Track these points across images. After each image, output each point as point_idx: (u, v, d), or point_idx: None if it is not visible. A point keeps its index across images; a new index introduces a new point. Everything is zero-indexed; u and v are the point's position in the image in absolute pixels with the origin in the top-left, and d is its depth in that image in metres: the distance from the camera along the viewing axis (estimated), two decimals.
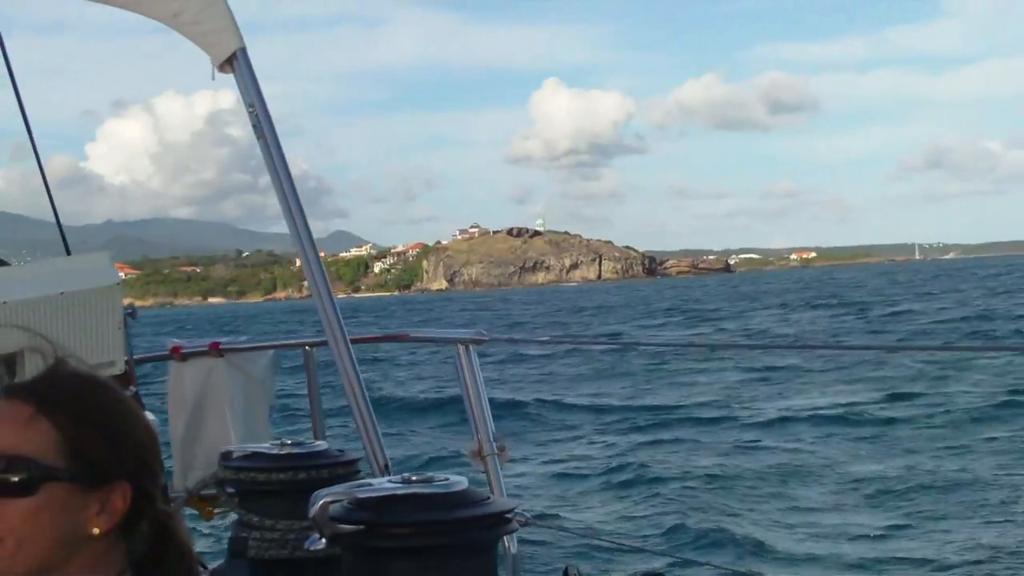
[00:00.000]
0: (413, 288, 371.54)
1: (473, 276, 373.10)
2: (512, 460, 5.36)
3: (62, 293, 3.49)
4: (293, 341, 6.08)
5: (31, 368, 3.35)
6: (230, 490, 3.95)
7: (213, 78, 4.55)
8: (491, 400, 5.23)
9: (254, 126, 4.50)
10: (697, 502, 15.80)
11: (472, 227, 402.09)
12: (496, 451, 5.13)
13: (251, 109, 4.49)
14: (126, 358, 3.87)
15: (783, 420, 23.50)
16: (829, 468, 18.26)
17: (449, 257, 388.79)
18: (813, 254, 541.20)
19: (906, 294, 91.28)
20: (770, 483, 17.22)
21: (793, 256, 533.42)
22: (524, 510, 3.24)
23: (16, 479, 1.99)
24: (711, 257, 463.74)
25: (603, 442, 21.10)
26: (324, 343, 5.10)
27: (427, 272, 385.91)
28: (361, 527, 2.95)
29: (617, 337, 40.23)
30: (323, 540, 2.98)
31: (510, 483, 5.18)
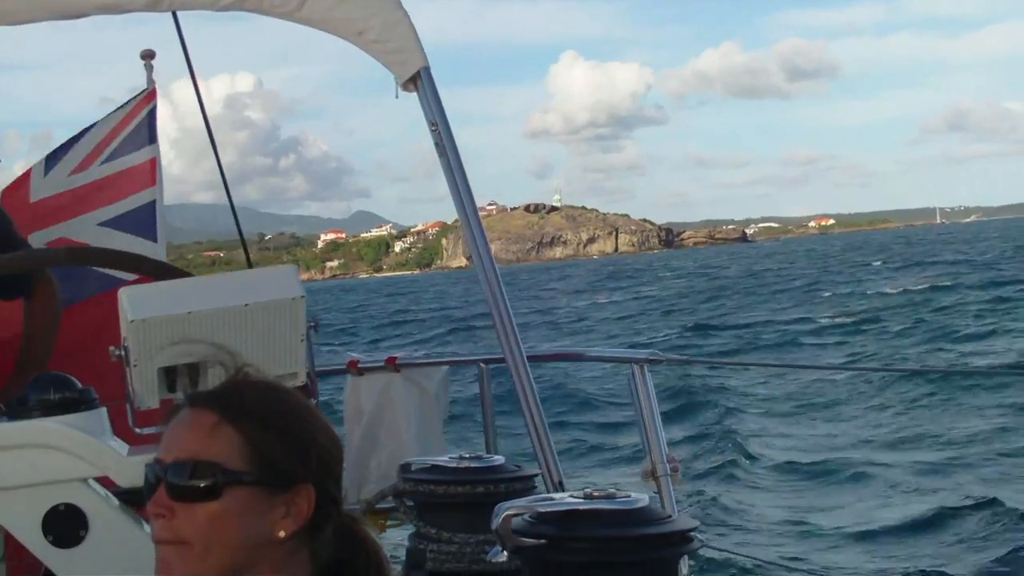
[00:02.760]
0: (433, 266, 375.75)
1: (492, 253, 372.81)
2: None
3: (247, 305, 3.54)
4: (468, 357, 6.14)
5: (214, 378, 3.43)
6: (409, 503, 4.00)
7: (396, 96, 4.62)
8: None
9: (436, 144, 4.56)
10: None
11: (489, 204, 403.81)
12: (669, 472, 5.12)
13: (434, 128, 4.55)
14: (308, 370, 3.94)
15: None
16: None
17: None
18: (831, 221, 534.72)
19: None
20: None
21: (812, 224, 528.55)
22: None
23: (202, 484, 2.06)
24: (730, 227, 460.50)
25: (777, 463, 20.50)
26: (498, 359, 5.14)
27: (447, 250, 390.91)
28: (543, 541, 2.96)
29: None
30: (505, 552, 3.01)
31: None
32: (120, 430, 3.62)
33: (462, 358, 6.37)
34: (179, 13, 5.30)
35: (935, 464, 18.95)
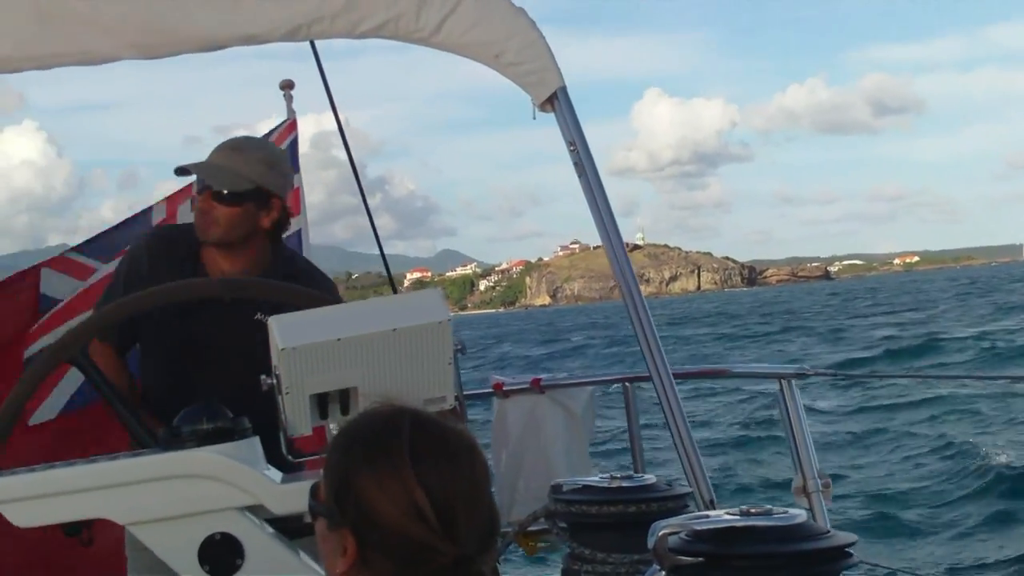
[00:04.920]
0: (517, 304, 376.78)
1: (575, 291, 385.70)
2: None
3: (395, 330, 3.55)
4: (613, 377, 6.12)
5: (364, 403, 3.47)
6: (562, 524, 3.98)
7: (534, 117, 4.62)
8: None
9: (575, 164, 4.54)
10: None
11: (572, 243, 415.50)
12: (821, 487, 5.05)
13: (572, 148, 4.53)
14: (456, 394, 3.94)
15: None
16: None
17: (551, 273, 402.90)
18: (916, 258, 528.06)
19: None
20: None
21: (896, 261, 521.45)
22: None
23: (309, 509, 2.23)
24: (813, 265, 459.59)
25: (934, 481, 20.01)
26: (643, 378, 5.11)
27: (530, 288, 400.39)
28: (700, 559, 2.93)
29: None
30: (663, 572, 2.98)
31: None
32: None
33: (606, 378, 6.35)
34: (316, 43, 5.36)
35: None
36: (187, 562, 3.50)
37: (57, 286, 5.70)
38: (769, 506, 3.03)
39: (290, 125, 6.12)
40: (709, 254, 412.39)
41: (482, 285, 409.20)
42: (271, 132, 6.10)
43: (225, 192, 4.26)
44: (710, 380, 25.84)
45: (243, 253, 4.36)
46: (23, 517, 3.49)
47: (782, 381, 5.12)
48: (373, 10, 4.34)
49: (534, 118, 4.62)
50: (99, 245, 5.85)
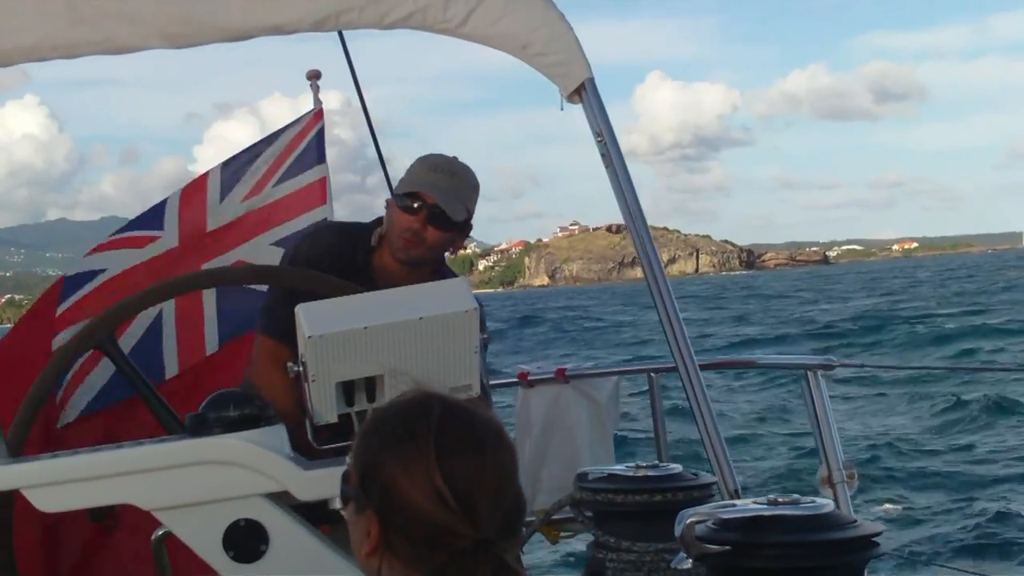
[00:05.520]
0: (516, 284, 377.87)
1: (574, 272, 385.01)
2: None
3: (421, 318, 3.56)
4: (638, 367, 6.12)
5: (391, 391, 3.48)
6: (587, 513, 3.98)
7: (562, 108, 4.60)
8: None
9: (603, 155, 4.52)
10: None
11: (572, 224, 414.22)
12: (846, 479, 5.04)
13: (599, 138, 4.51)
14: (482, 382, 3.94)
15: None
16: None
17: (550, 254, 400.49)
18: (915, 244, 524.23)
19: None
20: None
21: (895, 247, 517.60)
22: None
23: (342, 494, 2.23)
24: (812, 249, 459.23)
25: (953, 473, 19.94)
26: (669, 369, 5.10)
27: (529, 269, 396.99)
28: (727, 547, 2.93)
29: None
30: (689, 560, 2.98)
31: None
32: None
33: (631, 368, 6.34)
34: (345, 33, 5.37)
35: None
36: (212, 547, 3.52)
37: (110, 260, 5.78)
38: (796, 495, 3.04)
39: (316, 115, 6.12)
40: (708, 237, 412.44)
41: (481, 265, 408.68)
42: (297, 121, 6.11)
43: (446, 218, 4.20)
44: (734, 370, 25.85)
45: (421, 270, 4.27)
46: (48, 502, 3.52)
47: (808, 372, 5.11)
48: (400, 1, 4.34)
49: (561, 109, 4.60)
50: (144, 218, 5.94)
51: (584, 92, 4.48)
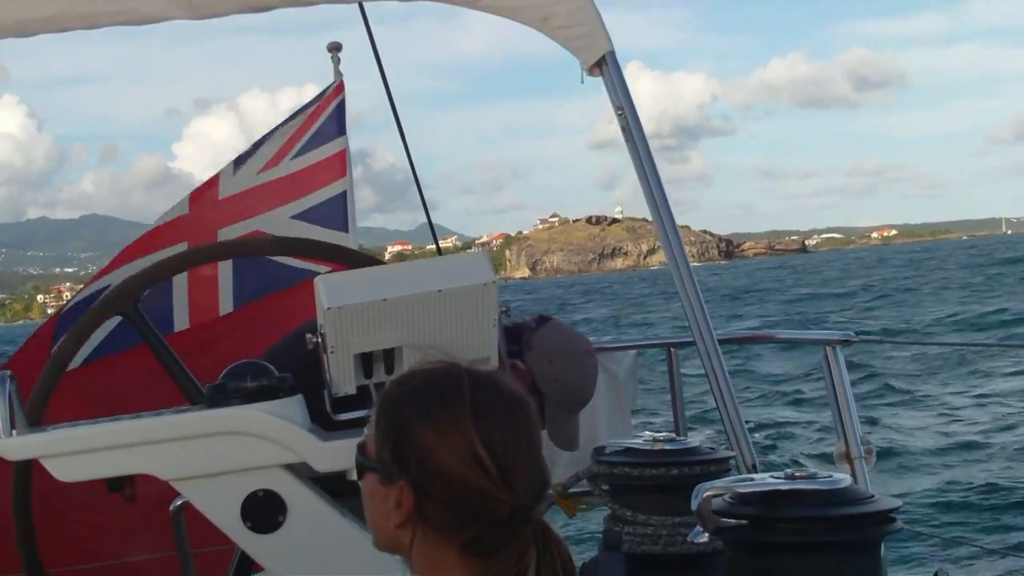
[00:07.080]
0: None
1: (554, 264, 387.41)
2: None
3: (440, 291, 3.56)
4: (657, 341, 6.10)
5: (410, 363, 3.48)
6: (604, 486, 3.98)
7: (582, 81, 4.58)
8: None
9: (623, 128, 4.51)
10: None
11: (552, 216, 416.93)
12: (863, 454, 5.03)
13: (620, 112, 4.50)
14: (500, 356, 3.94)
15: None
16: None
17: (531, 246, 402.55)
18: (894, 232, 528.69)
19: None
20: None
21: (874, 235, 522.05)
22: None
23: (355, 465, 2.24)
24: (791, 238, 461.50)
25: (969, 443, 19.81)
26: (688, 343, 5.10)
27: (510, 261, 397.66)
28: (744, 521, 2.93)
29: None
30: (706, 534, 2.98)
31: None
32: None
33: (650, 342, 6.33)
34: (365, 5, 5.36)
35: None
36: (229, 518, 3.53)
37: None
38: (814, 470, 3.03)
39: (337, 87, 6.12)
40: (687, 227, 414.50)
41: None
42: (321, 94, 6.11)
43: None
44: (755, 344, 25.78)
45: None
46: (67, 471, 3.52)
47: (827, 347, 5.10)
48: None
49: (582, 82, 4.58)
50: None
51: (605, 65, 4.47)
